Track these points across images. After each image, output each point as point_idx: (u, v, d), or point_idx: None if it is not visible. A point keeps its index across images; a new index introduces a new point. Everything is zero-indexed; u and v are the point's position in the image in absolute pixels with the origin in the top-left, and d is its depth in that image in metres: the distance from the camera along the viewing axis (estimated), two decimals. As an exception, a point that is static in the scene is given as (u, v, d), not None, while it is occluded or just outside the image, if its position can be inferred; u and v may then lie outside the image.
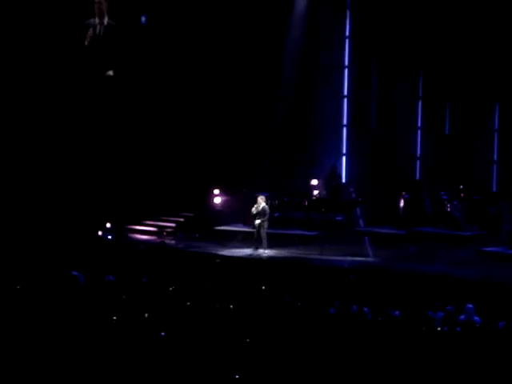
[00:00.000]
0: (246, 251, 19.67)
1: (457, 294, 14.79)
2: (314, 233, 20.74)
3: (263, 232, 19.70)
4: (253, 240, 19.80)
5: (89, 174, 22.47)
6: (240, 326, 11.67)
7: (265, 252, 19.56)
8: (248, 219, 20.50)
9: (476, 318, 12.96)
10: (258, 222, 19.67)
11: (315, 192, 22.74)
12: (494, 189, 22.71)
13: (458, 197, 21.67)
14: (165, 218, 23.25)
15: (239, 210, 22.27)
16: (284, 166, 23.35)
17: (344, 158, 24.50)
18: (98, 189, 22.42)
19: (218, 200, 22.85)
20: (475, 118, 22.62)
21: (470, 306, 13.09)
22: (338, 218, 20.01)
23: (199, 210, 23.12)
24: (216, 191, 22.89)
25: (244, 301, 13.39)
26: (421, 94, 23.64)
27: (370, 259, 19.15)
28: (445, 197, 21.68)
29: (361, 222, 21.84)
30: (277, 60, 23.51)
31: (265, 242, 19.67)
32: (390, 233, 21.37)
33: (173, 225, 22.96)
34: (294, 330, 11.57)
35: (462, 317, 12.98)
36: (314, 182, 22.94)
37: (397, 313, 12.85)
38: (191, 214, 23.25)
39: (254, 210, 19.82)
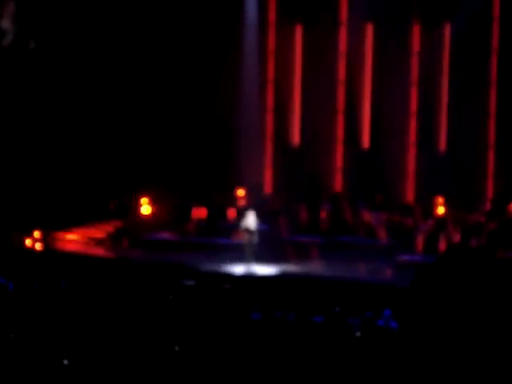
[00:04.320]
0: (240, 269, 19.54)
1: (375, 301, 15.48)
2: (240, 242, 21.24)
3: (253, 247, 19.67)
4: (246, 258, 19.73)
5: (11, 178, 22.46)
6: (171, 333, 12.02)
7: (256, 268, 19.47)
8: (235, 233, 20.68)
9: (393, 323, 13.63)
10: (247, 237, 19.72)
11: (241, 202, 23.25)
12: (411, 199, 23.55)
13: (377, 207, 22.48)
14: (94, 227, 23.38)
15: (167, 219, 22.66)
16: (210, 177, 23.78)
17: (269, 169, 25.05)
18: (23, 194, 22.39)
19: (146, 209, 23.08)
20: (393, 131, 23.45)
21: (388, 311, 13.76)
22: (262, 228, 20.59)
23: (128, 218, 23.36)
24: (144, 200, 23.13)
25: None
26: (342, 108, 24.38)
27: (293, 267, 19.80)
28: (363, 207, 22.45)
29: (285, 232, 22.47)
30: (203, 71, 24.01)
31: (254, 257, 19.61)
32: (312, 242, 22.01)
33: (101, 234, 23.13)
34: (218, 335, 11.98)
35: (380, 322, 13.63)
36: (240, 192, 23.44)
37: (319, 319, 13.42)
38: (120, 223, 23.50)
39: (244, 223, 19.81)
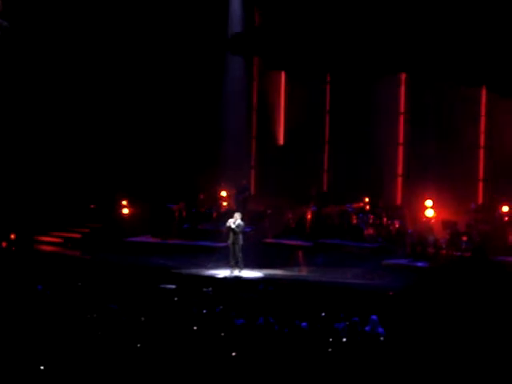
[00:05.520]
0: (224, 272, 18.96)
1: (362, 305, 15.10)
2: (223, 244, 20.79)
3: (238, 249, 18.98)
4: (230, 260, 19.03)
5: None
6: (150, 338, 11.69)
7: (241, 271, 18.91)
8: (223, 233, 20.03)
9: (380, 329, 13.26)
10: (231, 239, 18.99)
11: (224, 203, 22.90)
12: (399, 202, 23.22)
13: (364, 209, 22.13)
14: (71, 229, 22.91)
15: (147, 221, 22.28)
16: (192, 178, 23.39)
17: (253, 170, 24.72)
18: (3, 198, 22.05)
19: (125, 211, 22.77)
20: (381, 132, 23.13)
21: (374, 317, 13.38)
22: (246, 230, 20.21)
23: (106, 220, 22.92)
24: (124, 202, 22.81)
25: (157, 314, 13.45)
26: (328, 108, 24.05)
27: (277, 271, 19.43)
28: (350, 209, 22.10)
29: (270, 234, 22.14)
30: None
31: (241, 260, 18.94)
32: (297, 244, 21.65)
33: (79, 236, 22.68)
34: (202, 339, 11.66)
35: (367, 328, 13.27)
36: (223, 193, 23.11)
37: (304, 324, 13.05)
38: (99, 225, 22.99)
39: (229, 223, 19.00)
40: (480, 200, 22.48)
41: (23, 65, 22.47)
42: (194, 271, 19.12)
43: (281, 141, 24.54)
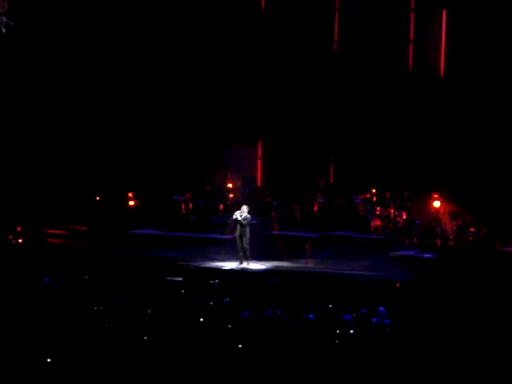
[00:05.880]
0: (232, 265, 19.00)
1: (369, 297, 15.07)
2: (230, 236, 20.77)
3: (246, 242, 18.97)
4: (238, 253, 19.06)
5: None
6: (157, 330, 11.67)
7: (248, 264, 18.92)
8: (229, 225, 20.06)
9: (387, 320, 13.23)
10: (238, 232, 18.98)
11: (230, 195, 22.86)
12: (406, 193, 23.11)
13: (371, 200, 22.05)
14: (77, 221, 22.89)
15: (153, 213, 22.25)
16: (199, 170, 23.35)
17: (259, 162, 24.65)
18: (9, 191, 22.08)
19: (131, 203, 22.75)
20: (387, 118, 23.02)
21: (382, 308, 13.35)
22: (253, 222, 20.18)
23: (112, 213, 22.90)
24: (129, 194, 22.80)
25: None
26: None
27: (284, 263, 19.41)
28: (357, 200, 22.04)
29: (275, 226, 22.09)
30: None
31: (247, 253, 18.94)
32: (304, 236, 21.61)
33: (85, 228, 22.65)
34: (208, 332, 11.64)
35: (374, 319, 13.24)
36: (230, 185, 23.07)
37: (311, 316, 13.03)
38: (105, 217, 22.96)
39: (236, 216, 18.98)
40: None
41: (30, 63, 22.52)
42: (201, 263, 19.08)
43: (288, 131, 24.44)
